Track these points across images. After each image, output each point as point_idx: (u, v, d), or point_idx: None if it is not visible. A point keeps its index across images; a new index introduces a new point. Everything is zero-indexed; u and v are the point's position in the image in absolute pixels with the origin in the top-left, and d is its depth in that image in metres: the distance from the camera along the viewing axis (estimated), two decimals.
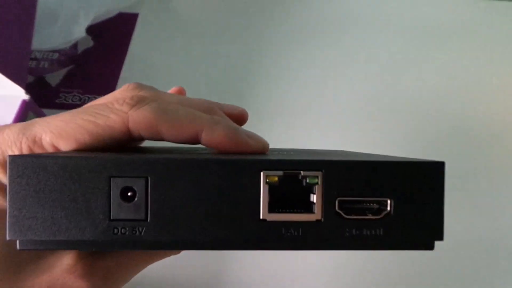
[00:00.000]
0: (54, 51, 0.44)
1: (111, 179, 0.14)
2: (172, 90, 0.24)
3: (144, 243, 0.14)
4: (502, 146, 0.45)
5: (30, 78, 0.44)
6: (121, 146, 0.18)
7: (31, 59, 0.43)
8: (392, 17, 0.51)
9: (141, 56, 0.49)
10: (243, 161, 0.14)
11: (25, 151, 0.16)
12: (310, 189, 0.14)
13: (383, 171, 0.14)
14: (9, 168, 0.13)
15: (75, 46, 0.45)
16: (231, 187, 0.14)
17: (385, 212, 0.14)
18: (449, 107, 0.47)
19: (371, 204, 0.15)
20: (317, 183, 0.14)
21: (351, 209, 0.14)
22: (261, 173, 0.14)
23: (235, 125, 0.19)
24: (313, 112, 0.47)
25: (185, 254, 0.40)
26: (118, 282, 0.18)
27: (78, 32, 0.45)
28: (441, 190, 0.15)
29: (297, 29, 0.51)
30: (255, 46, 0.50)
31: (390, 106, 0.47)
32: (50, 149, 0.17)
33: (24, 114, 0.40)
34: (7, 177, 0.13)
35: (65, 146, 0.17)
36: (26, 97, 0.38)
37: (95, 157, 0.14)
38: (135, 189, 0.14)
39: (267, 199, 0.14)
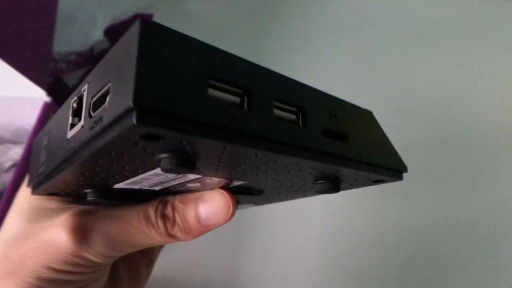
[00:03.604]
0: (71, 53, 0.45)
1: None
2: None
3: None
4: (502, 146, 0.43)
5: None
6: None
7: None
8: (394, 17, 0.50)
9: None
10: None
11: None
12: None
13: None
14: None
15: (91, 47, 0.47)
16: None
17: None
18: (450, 107, 0.45)
19: None
20: None
21: None
22: None
23: None
24: None
25: (193, 258, 0.39)
26: (121, 247, 0.19)
27: (96, 34, 0.47)
28: None
29: (307, 30, 0.50)
30: (270, 47, 0.50)
31: (390, 106, 0.45)
32: None
33: (46, 115, 0.42)
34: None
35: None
36: (47, 98, 0.40)
37: None
38: None
39: None
